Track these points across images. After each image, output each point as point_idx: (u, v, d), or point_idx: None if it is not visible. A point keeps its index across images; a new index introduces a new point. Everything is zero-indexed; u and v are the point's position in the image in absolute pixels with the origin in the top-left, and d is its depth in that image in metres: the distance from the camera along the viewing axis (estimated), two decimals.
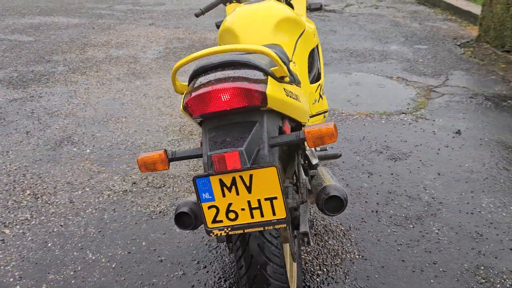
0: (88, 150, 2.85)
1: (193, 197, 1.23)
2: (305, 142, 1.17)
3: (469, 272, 1.79)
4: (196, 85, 1.17)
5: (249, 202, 1.09)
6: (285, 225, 1.08)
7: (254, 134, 1.13)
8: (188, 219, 1.19)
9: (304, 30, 1.99)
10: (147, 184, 2.47)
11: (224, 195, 1.09)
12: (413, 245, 1.97)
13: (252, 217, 1.10)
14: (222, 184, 1.08)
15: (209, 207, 1.10)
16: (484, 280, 1.75)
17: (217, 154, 1.04)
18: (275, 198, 1.08)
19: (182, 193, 2.39)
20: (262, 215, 1.09)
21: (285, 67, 1.26)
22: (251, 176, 1.07)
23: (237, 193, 1.09)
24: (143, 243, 2.00)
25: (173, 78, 1.24)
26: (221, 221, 1.11)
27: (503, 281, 1.75)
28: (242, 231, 1.11)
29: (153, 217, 2.19)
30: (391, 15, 7.26)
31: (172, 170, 2.59)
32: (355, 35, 5.94)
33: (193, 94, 1.13)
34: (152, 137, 3.05)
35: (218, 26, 2.25)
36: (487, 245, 1.95)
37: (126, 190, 2.41)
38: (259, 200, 1.09)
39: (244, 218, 1.10)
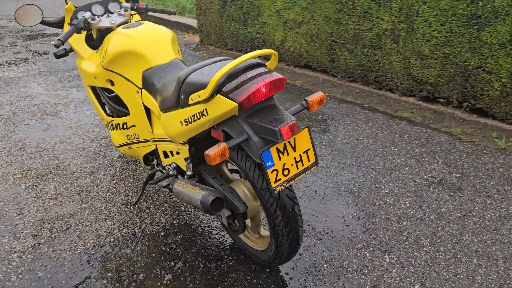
0: None
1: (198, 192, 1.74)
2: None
3: None
4: (236, 85, 1.52)
5: (294, 158, 1.59)
6: (317, 165, 1.64)
7: (283, 110, 1.62)
8: (219, 202, 1.68)
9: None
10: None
11: (280, 159, 1.55)
12: None
13: (297, 168, 1.60)
14: (278, 151, 1.55)
15: (272, 171, 1.52)
16: None
17: (283, 127, 1.47)
18: (308, 149, 1.63)
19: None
20: (303, 165, 1.62)
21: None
22: (294, 139, 1.58)
23: (288, 154, 1.56)
24: None
25: (213, 85, 1.52)
26: (279, 180, 1.55)
27: None
28: (293, 181, 1.61)
29: None
30: None
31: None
32: None
33: (245, 91, 1.49)
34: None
35: (59, 55, 2.39)
36: None
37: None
38: (300, 155, 1.60)
39: (293, 171, 1.59)
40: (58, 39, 2.24)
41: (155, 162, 2.40)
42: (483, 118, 3.87)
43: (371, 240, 2.25)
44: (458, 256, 2.14)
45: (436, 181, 2.80)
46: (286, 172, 1.59)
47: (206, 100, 1.59)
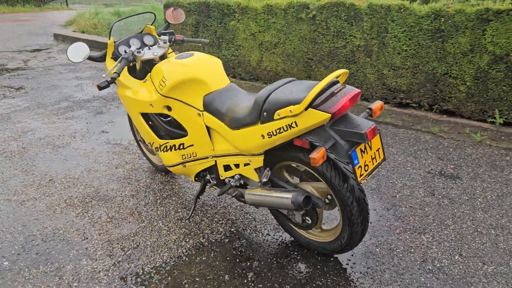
0: None
1: (288, 193, 2.08)
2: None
3: None
4: (323, 99, 1.85)
5: (371, 156, 1.97)
6: (385, 161, 2.13)
7: (359, 117, 1.98)
8: (308, 200, 2.05)
9: None
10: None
11: (362, 157, 1.92)
12: None
13: (373, 164, 1.99)
14: (361, 151, 1.92)
15: (358, 168, 1.89)
16: None
17: (368, 130, 1.84)
18: (379, 148, 2.03)
19: None
20: (376, 160, 2.01)
21: None
22: (371, 141, 1.96)
23: (367, 153, 1.95)
24: None
25: (309, 101, 1.81)
26: (362, 174, 1.92)
27: None
28: (371, 175, 2.03)
29: None
30: (83, 62, 7.57)
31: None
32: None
33: (336, 103, 1.82)
34: None
35: (103, 87, 2.52)
36: None
37: None
38: (374, 153, 1.99)
39: (371, 166, 1.97)
40: (115, 72, 2.44)
41: (208, 177, 2.63)
42: (453, 118, 4.46)
43: (405, 225, 2.63)
44: (479, 230, 2.57)
45: (437, 172, 3.26)
46: (366, 167, 1.93)
47: (295, 114, 1.89)
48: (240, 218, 2.74)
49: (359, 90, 1.93)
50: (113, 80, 2.71)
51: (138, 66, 2.77)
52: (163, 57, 2.85)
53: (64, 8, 17.28)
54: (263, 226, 2.64)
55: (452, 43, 4.25)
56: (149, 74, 2.67)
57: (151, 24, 3.05)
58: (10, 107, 4.98)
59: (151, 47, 2.79)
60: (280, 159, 2.20)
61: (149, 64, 2.85)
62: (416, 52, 4.51)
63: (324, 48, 5.17)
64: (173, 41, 2.92)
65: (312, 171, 2.08)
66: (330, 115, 1.81)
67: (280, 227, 2.64)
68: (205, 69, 2.43)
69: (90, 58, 2.78)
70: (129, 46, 2.88)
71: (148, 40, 2.95)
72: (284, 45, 5.53)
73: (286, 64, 5.60)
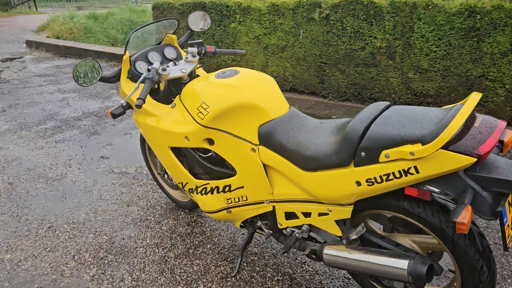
0: None
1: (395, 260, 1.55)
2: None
3: None
4: (457, 136, 1.34)
5: None
6: None
7: (505, 159, 1.47)
8: (432, 270, 1.51)
9: None
10: None
11: (510, 212, 1.43)
12: None
13: None
14: (509, 204, 1.43)
15: (506, 227, 1.40)
16: None
17: None
18: None
19: None
20: None
21: None
22: None
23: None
24: None
25: (445, 141, 1.31)
26: (509, 235, 1.42)
27: None
28: None
29: None
30: (62, 72, 6.86)
31: None
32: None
33: (483, 143, 1.31)
34: None
35: (118, 115, 1.98)
36: None
37: None
38: None
39: None
40: (140, 98, 1.86)
41: (259, 223, 2.09)
42: None
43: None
44: None
45: None
46: None
47: (419, 158, 1.37)
48: (298, 270, 2.20)
49: (504, 122, 1.42)
50: (130, 106, 2.12)
51: (162, 86, 2.20)
52: (191, 74, 2.28)
53: (33, 12, 16.20)
54: (330, 282, 2.11)
55: (490, 42, 3.81)
56: (178, 97, 2.11)
57: (173, 33, 2.47)
58: None
59: (176, 62, 2.22)
60: (369, 207, 1.68)
61: (174, 83, 2.28)
62: (447, 53, 4.06)
63: (340, 51, 4.67)
64: (204, 53, 2.35)
65: (421, 225, 1.56)
66: (475, 159, 1.30)
67: (354, 281, 2.12)
68: (259, 91, 1.88)
69: (102, 79, 2.19)
70: (148, 62, 2.30)
71: (169, 52, 2.38)
72: (293, 48, 5.00)
73: (296, 69, 5.07)
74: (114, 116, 2.12)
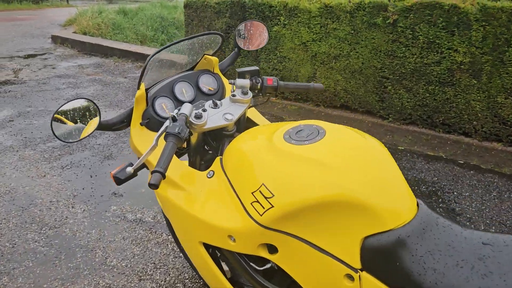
0: None
1: None
2: None
3: None
4: None
5: None
6: None
7: None
8: None
9: None
10: None
11: None
12: None
13: None
14: None
15: None
16: None
17: None
18: None
19: None
20: None
21: None
22: None
23: None
24: None
25: None
26: None
27: None
28: None
29: None
30: (84, 73, 6.20)
31: None
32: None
33: None
34: None
35: (124, 180, 1.27)
36: None
37: None
38: None
39: None
40: (158, 171, 1.07)
41: None
42: None
43: None
44: None
45: None
46: None
47: None
48: None
49: None
50: (144, 166, 1.34)
51: (194, 139, 1.40)
52: (239, 119, 1.48)
53: (64, 5, 15.76)
54: None
55: None
56: (218, 159, 1.31)
57: (214, 53, 1.67)
58: None
59: (217, 102, 1.41)
60: None
61: (213, 132, 1.49)
62: None
63: (407, 64, 3.78)
64: (260, 88, 1.53)
65: None
66: None
67: None
68: (367, 175, 1.05)
69: (101, 127, 1.40)
70: (175, 98, 1.51)
71: (207, 83, 1.58)
72: (348, 59, 4.14)
73: (350, 83, 4.20)
74: (119, 181, 1.35)
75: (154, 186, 1.07)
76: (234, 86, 1.47)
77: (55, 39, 8.78)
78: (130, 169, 1.23)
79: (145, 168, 1.41)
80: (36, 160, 3.34)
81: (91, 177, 3.08)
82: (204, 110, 1.34)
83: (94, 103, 1.33)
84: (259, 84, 1.49)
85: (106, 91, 5.26)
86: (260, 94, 1.52)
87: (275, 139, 1.17)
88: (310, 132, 1.16)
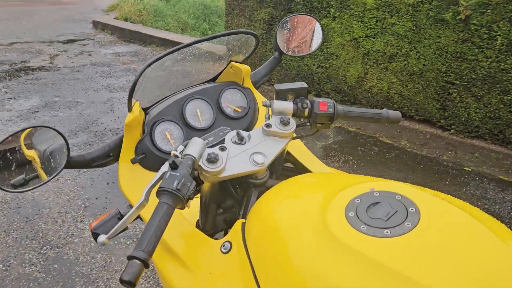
0: None
1: None
2: None
3: None
4: None
5: None
6: None
7: None
8: None
9: None
10: None
11: None
12: None
13: None
14: None
15: None
16: None
17: None
18: None
19: None
20: None
21: None
22: None
23: None
24: None
25: None
26: None
27: None
28: None
29: None
30: (119, 62, 5.91)
31: None
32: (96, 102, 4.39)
33: None
34: None
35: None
36: None
37: None
38: None
39: None
40: (136, 258, 0.66)
41: None
42: None
43: None
44: None
45: None
46: None
47: None
48: None
49: None
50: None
51: (207, 187, 0.96)
52: (276, 160, 1.01)
53: None
54: None
55: None
56: (239, 225, 0.87)
57: (245, 60, 1.21)
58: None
59: (243, 136, 0.96)
60: None
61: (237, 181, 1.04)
62: None
63: (479, 69, 3.17)
64: (309, 115, 1.04)
65: None
66: None
67: None
68: None
69: (73, 164, 0.99)
70: (185, 124, 1.07)
71: (232, 100, 1.14)
72: (406, 59, 3.57)
73: (406, 87, 3.64)
74: (97, 237, 0.93)
75: (128, 284, 0.65)
76: (269, 109, 1.01)
77: (96, 24, 8.58)
78: (102, 239, 0.81)
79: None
80: None
81: (107, 184, 2.72)
82: (223, 149, 0.90)
83: (60, 133, 0.92)
84: (307, 109, 1.02)
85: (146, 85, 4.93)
86: (308, 124, 1.06)
87: (332, 216, 0.71)
88: (392, 210, 0.69)
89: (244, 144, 0.94)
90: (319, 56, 4.20)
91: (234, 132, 0.96)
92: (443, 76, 3.38)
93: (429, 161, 3.16)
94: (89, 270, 1.99)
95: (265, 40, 4.67)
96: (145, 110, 1.10)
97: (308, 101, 1.02)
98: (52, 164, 0.91)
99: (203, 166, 0.85)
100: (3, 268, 2.00)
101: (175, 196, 0.77)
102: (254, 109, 1.16)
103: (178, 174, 0.79)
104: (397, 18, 3.52)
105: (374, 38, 3.73)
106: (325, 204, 0.75)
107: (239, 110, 1.13)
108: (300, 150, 1.14)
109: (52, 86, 4.73)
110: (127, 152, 1.01)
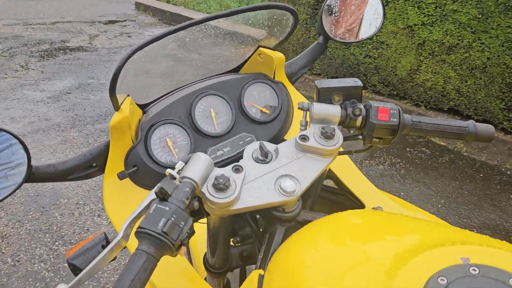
0: None
1: None
2: None
3: None
4: None
5: None
6: None
7: None
8: None
9: None
10: None
11: None
12: None
13: None
14: None
15: None
16: None
17: None
18: None
19: None
20: None
21: None
22: None
23: None
24: None
25: None
26: None
27: None
28: None
29: None
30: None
31: None
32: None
33: None
34: None
35: None
36: None
37: None
38: None
39: None
40: None
41: None
42: None
43: None
44: None
45: None
46: None
47: None
48: None
49: None
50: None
51: (214, 219, 0.71)
52: (312, 186, 0.74)
53: None
54: None
55: None
56: (255, 278, 0.61)
57: (279, 44, 0.94)
58: (34, 121, 3.21)
59: (266, 152, 0.70)
60: None
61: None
62: None
63: None
64: (362, 127, 0.75)
65: None
66: None
67: None
68: None
69: (38, 177, 0.75)
70: (194, 128, 0.82)
71: (259, 99, 0.88)
72: (468, 51, 3.15)
73: (465, 83, 3.23)
74: (75, 271, 0.70)
75: None
76: (307, 114, 0.75)
77: (138, 6, 8.49)
78: None
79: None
80: (78, 145, 2.88)
81: None
82: (238, 170, 0.64)
83: (16, 136, 0.69)
84: (361, 117, 0.73)
85: (175, 68, 4.74)
86: (360, 137, 0.77)
87: None
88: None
89: (268, 162, 0.68)
90: (367, 44, 3.84)
91: (256, 145, 0.70)
92: (511, 72, 2.96)
93: (489, 168, 2.77)
94: (100, 273, 1.81)
95: (309, 26, 4.33)
96: (143, 107, 0.86)
97: (362, 106, 0.74)
98: (6, 178, 0.69)
99: (207, 195, 0.60)
100: (12, 263, 1.85)
101: (159, 243, 0.53)
102: (287, 111, 0.89)
103: (167, 208, 0.55)
104: (460, 4, 3.10)
105: (431, 26, 3.33)
106: (391, 272, 0.48)
107: (267, 112, 0.87)
108: (345, 168, 0.86)
109: (87, 67, 4.63)
110: (115, 162, 0.78)
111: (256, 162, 0.68)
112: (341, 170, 0.86)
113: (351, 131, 0.75)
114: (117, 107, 0.76)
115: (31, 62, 4.73)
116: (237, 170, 0.65)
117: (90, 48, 5.45)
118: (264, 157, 0.68)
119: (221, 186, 0.61)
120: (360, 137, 0.76)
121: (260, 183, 0.65)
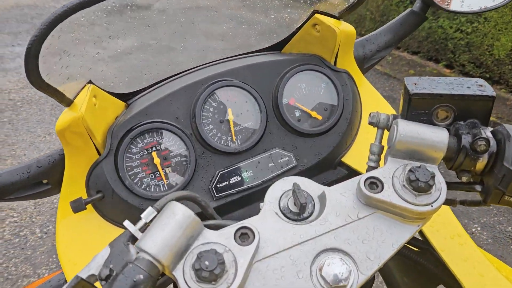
0: None
1: None
2: None
3: None
4: None
5: None
6: None
7: None
8: None
9: None
10: None
11: None
12: None
13: None
14: None
15: None
16: None
17: None
18: None
19: None
20: None
21: None
22: None
23: None
24: None
25: None
26: None
27: None
28: None
29: None
30: (227, 6, 5.49)
31: None
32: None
33: None
34: None
35: None
36: None
37: None
38: None
39: None
40: None
41: None
42: None
43: None
44: None
45: None
46: None
47: None
48: None
49: None
50: None
51: None
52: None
53: None
54: None
55: None
56: None
57: (344, 11, 0.61)
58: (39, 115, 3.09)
59: (304, 206, 0.39)
60: None
61: None
62: None
63: None
64: (486, 174, 0.42)
65: None
66: None
67: None
68: None
69: None
70: (197, 136, 0.53)
71: (304, 94, 0.56)
72: None
73: None
74: None
75: None
76: (384, 134, 0.43)
77: None
78: None
79: None
80: None
81: None
82: (245, 237, 0.36)
83: None
84: (486, 155, 0.39)
85: (239, 31, 4.45)
86: (479, 188, 0.43)
87: None
88: None
89: (305, 219, 0.39)
90: (460, 17, 3.27)
91: (288, 183, 0.40)
92: None
93: None
94: None
95: None
96: (125, 99, 0.59)
97: (490, 134, 0.41)
98: None
99: (182, 285, 0.33)
100: (39, 234, 1.74)
101: None
102: (351, 118, 0.57)
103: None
104: None
105: None
106: None
107: (319, 118, 0.56)
108: (442, 226, 0.53)
109: (152, 28, 4.47)
110: (73, 182, 0.52)
111: (283, 218, 0.39)
112: (434, 228, 0.53)
113: (463, 177, 0.42)
114: (67, 101, 0.49)
115: (19, 37, 4.66)
116: (244, 237, 0.36)
117: (158, 7, 5.30)
118: (300, 212, 0.39)
119: (207, 273, 0.33)
120: (479, 188, 0.43)
121: (284, 262, 0.36)
